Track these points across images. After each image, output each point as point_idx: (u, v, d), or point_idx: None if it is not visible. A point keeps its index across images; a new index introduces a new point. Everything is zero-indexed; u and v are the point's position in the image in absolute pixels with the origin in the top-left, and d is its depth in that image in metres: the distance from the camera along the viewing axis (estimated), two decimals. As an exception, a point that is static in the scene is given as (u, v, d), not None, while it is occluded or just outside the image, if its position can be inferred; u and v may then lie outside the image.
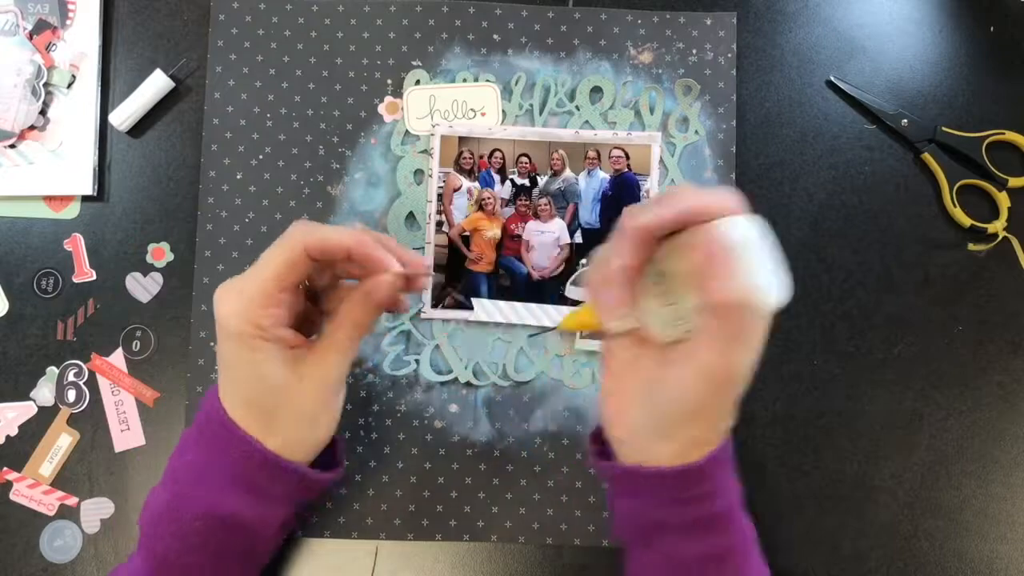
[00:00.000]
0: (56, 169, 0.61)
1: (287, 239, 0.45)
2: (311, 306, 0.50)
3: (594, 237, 0.60)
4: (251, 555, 0.50)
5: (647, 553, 0.46)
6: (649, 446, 0.43)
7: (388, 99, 0.62)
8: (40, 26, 0.62)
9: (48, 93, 0.61)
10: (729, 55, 0.62)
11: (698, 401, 0.40)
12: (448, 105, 0.62)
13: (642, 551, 0.46)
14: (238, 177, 0.61)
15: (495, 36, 0.63)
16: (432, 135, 0.61)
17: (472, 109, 0.61)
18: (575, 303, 0.60)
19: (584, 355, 0.60)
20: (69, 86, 0.62)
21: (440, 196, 0.61)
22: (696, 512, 0.43)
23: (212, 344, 0.60)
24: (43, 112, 0.61)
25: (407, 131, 0.62)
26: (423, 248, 0.60)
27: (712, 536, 0.44)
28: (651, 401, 0.42)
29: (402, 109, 0.62)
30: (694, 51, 0.62)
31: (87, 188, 0.61)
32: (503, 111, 0.62)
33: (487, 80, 0.62)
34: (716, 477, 0.43)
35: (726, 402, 0.41)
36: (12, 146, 0.61)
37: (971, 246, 0.61)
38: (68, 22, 0.62)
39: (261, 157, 0.61)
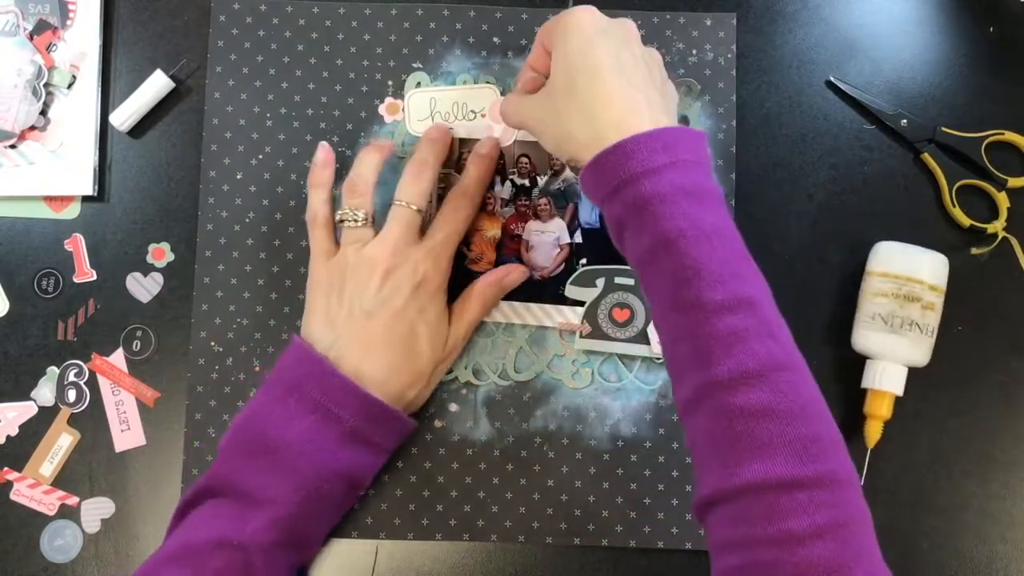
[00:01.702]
0: (56, 169, 0.61)
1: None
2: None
3: (594, 237, 0.60)
4: (346, 505, 0.56)
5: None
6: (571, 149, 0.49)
7: (388, 100, 0.62)
8: (40, 26, 0.62)
9: (48, 93, 0.61)
10: (729, 56, 0.62)
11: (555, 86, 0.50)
12: (449, 107, 0.62)
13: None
14: (238, 177, 0.61)
15: (495, 39, 0.63)
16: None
17: (472, 111, 0.61)
18: (575, 303, 0.60)
19: (584, 355, 0.60)
20: (69, 86, 0.62)
21: (440, 196, 0.61)
22: (622, 199, 0.45)
23: (212, 344, 0.60)
24: (43, 112, 0.61)
25: (408, 132, 0.62)
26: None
27: (644, 221, 0.44)
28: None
29: (403, 111, 0.62)
30: (694, 51, 0.62)
31: (87, 188, 0.61)
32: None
33: (487, 82, 0.62)
34: (636, 157, 0.44)
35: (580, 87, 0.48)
36: (12, 146, 0.61)
37: (974, 251, 0.61)
38: (68, 22, 0.62)
39: (261, 157, 0.61)
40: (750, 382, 0.40)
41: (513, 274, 0.58)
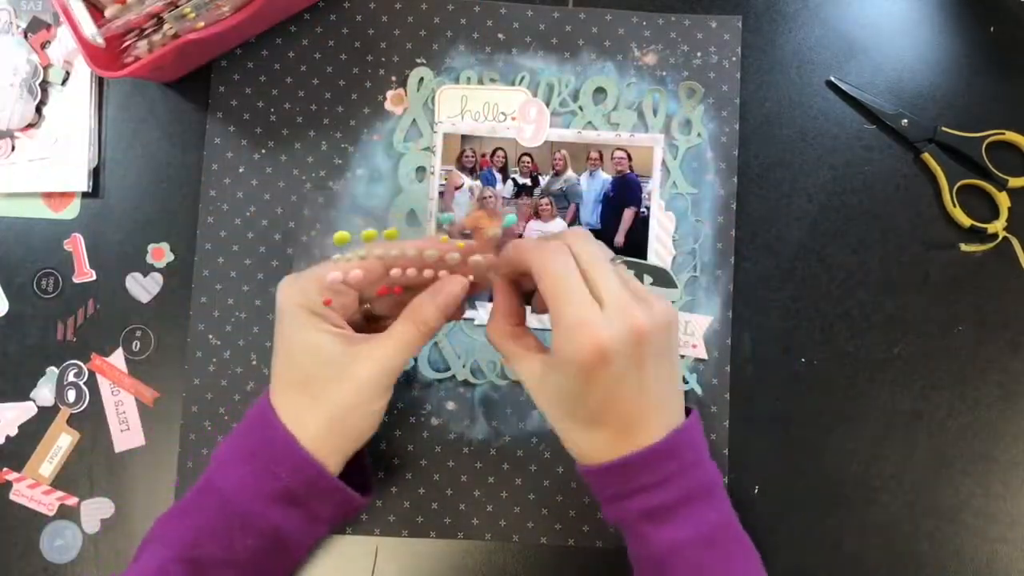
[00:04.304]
0: (52, 166, 0.61)
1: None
2: (365, 324, 0.52)
3: (595, 238, 0.60)
4: (283, 573, 0.50)
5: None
6: (580, 446, 0.47)
7: (391, 92, 0.62)
8: (35, 24, 0.62)
9: (44, 91, 0.61)
10: (733, 58, 0.62)
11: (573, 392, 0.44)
12: (480, 107, 0.61)
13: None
14: (240, 171, 0.61)
15: (500, 35, 0.63)
16: (435, 132, 0.61)
17: (503, 113, 0.61)
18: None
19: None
20: (64, 83, 0.62)
21: (441, 194, 0.61)
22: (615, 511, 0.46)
23: (211, 337, 0.60)
24: (38, 110, 0.61)
25: (412, 121, 0.62)
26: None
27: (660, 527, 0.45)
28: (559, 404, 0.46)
29: (406, 100, 0.62)
30: (698, 54, 0.62)
31: (83, 185, 0.61)
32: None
33: (512, 82, 0.62)
34: (654, 467, 0.44)
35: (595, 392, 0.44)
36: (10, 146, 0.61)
37: (963, 247, 0.61)
38: (61, 19, 0.62)
39: (264, 151, 0.61)
40: None
41: (449, 287, 0.49)
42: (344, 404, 0.47)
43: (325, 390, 0.47)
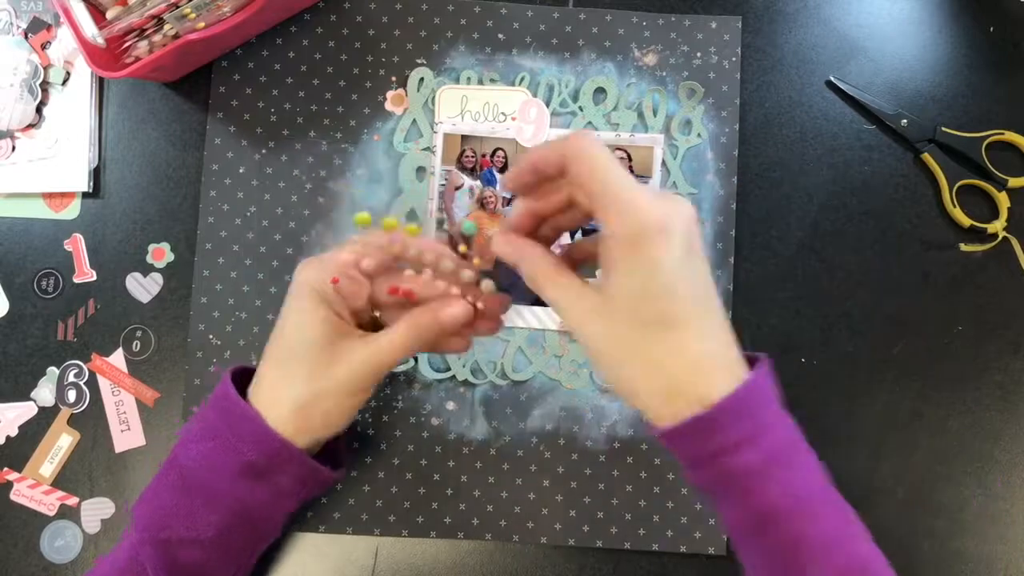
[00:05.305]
0: (52, 166, 0.61)
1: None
2: (372, 330, 0.50)
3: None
4: (252, 550, 0.50)
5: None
6: (650, 404, 0.41)
7: (391, 92, 0.62)
8: (35, 24, 0.62)
9: (44, 91, 0.61)
10: (733, 59, 0.62)
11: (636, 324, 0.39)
12: (480, 107, 0.61)
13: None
14: (240, 171, 0.61)
15: (500, 35, 0.63)
16: (435, 133, 0.61)
17: (503, 113, 0.61)
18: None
19: (581, 355, 0.60)
20: (64, 83, 0.62)
21: (441, 194, 0.61)
22: (707, 474, 0.40)
23: (211, 337, 0.60)
24: (38, 110, 0.61)
25: (412, 121, 0.62)
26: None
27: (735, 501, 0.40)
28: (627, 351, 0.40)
29: (406, 100, 0.62)
30: (698, 54, 0.62)
31: (83, 185, 0.61)
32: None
33: (512, 82, 0.62)
34: (728, 428, 0.38)
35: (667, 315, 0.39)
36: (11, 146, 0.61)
37: (963, 247, 0.61)
38: (61, 19, 0.62)
39: (264, 152, 0.61)
40: None
41: (451, 308, 0.47)
42: (318, 390, 0.47)
43: (304, 370, 0.47)
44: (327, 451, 0.51)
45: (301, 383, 0.47)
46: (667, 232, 0.38)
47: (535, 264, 0.43)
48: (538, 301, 0.60)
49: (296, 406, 0.47)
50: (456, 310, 0.47)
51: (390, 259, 0.48)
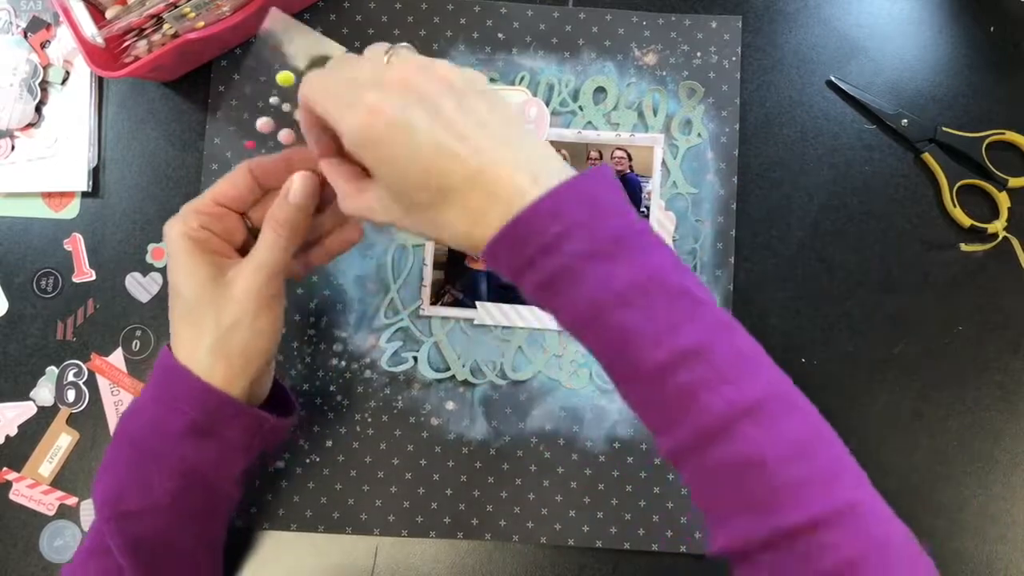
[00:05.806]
0: (51, 166, 0.61)
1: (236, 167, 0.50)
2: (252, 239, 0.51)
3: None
4: (212, 513, 0.51)
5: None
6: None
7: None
8: (35, 24, 0.62)
9: (43, 91, 0.61)
10: (734, 58, 0.62)
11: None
12: None
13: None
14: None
15: (500, 35, 0.63)
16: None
17: None
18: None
19: (582, 356, 0.60)
20: (63, 83, 0.62)
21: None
22: (527, 283, 0.40)
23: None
24: (38, 109, 0.61)
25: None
26: (423, 244, 0.60)
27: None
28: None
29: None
30: (698, 54, 0.62)
31: (82, 184, 0.61)
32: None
33: (512, 82, 0.62)
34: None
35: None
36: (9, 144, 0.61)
37: (964, 247, 0.61)
38: (61, 19, 0.62)
39: (263, 152, 0.61)
40: (715, 440, 0.37)
41: (293, 184, 0.48)
42: (225, 324, 0.47)
43: (207, 315, 0.47)
44: (275, 402, 0.52)
45: (211, 327, 0.47)
46: (373, 142, 0.39)
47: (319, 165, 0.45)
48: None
49: (213, 349, 0.47)
50: (297, 183, 0.48)
51: (250, 176, 0.49)
